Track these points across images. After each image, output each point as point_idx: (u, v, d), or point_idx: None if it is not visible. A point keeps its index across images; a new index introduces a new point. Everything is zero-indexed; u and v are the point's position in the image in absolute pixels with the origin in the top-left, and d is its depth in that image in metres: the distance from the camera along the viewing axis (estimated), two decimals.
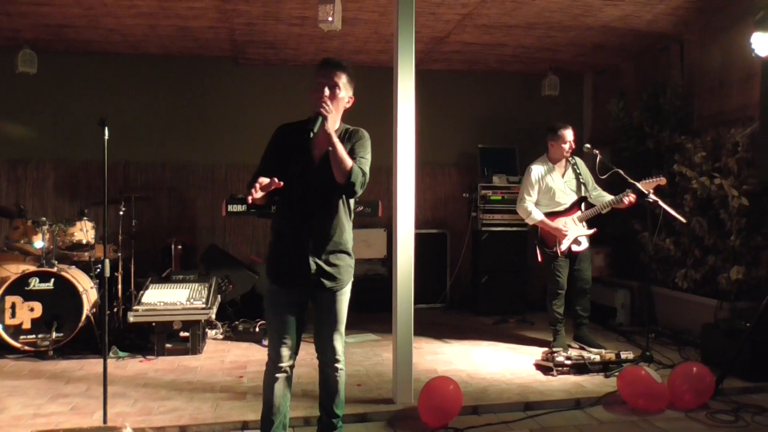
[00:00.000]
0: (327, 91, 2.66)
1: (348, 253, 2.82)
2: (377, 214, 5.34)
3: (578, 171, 4.80)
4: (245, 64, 6.68)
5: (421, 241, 6.24)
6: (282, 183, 2.53)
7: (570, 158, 4.78)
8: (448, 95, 7.13)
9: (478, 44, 6.14)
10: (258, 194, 2.51)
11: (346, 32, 5.58)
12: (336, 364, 2.85)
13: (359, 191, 2.69)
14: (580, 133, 7.40)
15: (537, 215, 4.76)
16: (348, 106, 2.82)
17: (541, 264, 4.90)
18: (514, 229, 6.39)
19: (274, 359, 2.77)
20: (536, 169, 4.82)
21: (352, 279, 2.87)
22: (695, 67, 5.73)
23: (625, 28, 5.56)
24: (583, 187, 4.80)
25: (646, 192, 4.42)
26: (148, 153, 6.58)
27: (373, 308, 6.28)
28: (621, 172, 4.60)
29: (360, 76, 8.01)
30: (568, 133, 4.72)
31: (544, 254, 4.81)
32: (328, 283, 2.74)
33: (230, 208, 5.31)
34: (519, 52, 6.38)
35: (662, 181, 4.55)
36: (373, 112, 6.60)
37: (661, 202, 4.40)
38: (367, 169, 2.74)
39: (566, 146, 4.72)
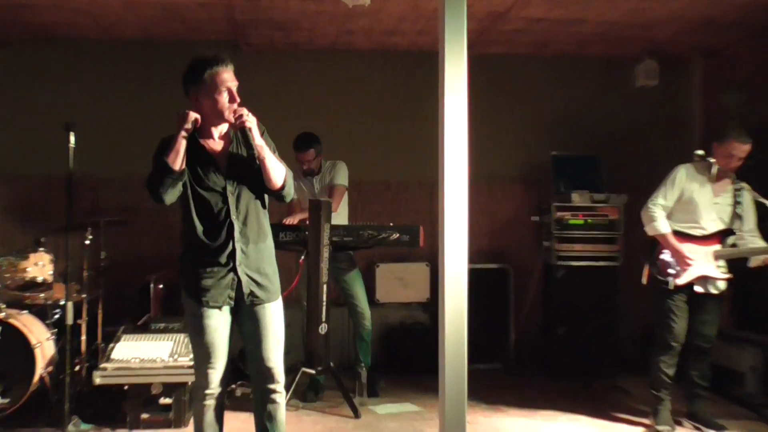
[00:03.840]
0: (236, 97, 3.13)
1: (273, 256, 3.28)
2: (417, 243, 5.26)
3: (740, 199, 4.73)
4: (248, 50, 6.80)
5: (475, 279, 6.13)
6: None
7: (737, 181, 4.74)
8: (510, 87, 7.15)
9: (549, 20, 6.15)
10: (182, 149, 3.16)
11: (377, 8, 5.61)
12: (274, 395, 3.24)
13: (292, 193, 3.29)
14: (689, 135, 7.37)
15: (662, 226, 4.68)
16: None
17: (647, 285, 4.83)
18: (601, 263, 6.34)
19: (203, 386, 3.19)
20: (684, 171, 4.79)
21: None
22: None
23: None
24: (737, 221, 4.72)
25: None
26: (124, 165, 6.58)
27: (411, 368, 6.29)
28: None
29: (393, 62, 7.97)
30: (739, 147, 4.63)
31: (654, 280, 4.74)
32: (262, 295, 3.17)
33: None
34: (603, 29, 6.36)
35: None
36: (410, 109, 6.69)
37: None
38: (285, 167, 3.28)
39: (729, 160, 4.66)
